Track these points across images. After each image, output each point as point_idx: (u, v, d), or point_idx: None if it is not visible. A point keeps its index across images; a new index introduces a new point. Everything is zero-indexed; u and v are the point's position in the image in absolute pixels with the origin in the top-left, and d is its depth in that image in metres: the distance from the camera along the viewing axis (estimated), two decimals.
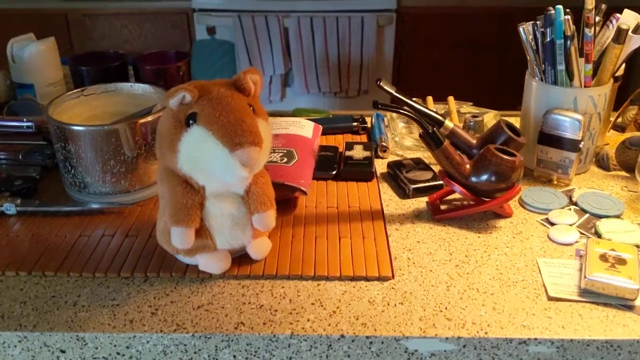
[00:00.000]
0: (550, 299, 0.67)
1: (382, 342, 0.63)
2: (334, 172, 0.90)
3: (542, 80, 0.88)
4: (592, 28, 0.82)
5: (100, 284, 0.71)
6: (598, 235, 0.77)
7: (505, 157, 0.77)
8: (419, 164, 0.91)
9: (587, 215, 0.81)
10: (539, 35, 0.86)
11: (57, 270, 0.72)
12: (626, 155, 0.90)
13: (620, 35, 0.82)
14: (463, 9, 2.45)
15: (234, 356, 0.64)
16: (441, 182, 0.87)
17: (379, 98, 0.84)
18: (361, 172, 0.90)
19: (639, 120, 0.98)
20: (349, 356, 0.64)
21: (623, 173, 0.92)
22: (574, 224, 0.79)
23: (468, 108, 1.07)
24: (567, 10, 0.83)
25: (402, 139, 0.99)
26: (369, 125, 1.06)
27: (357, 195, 0.87)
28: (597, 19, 0.86)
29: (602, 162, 0.93)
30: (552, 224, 0.80)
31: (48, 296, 0.69)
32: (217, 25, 2.41)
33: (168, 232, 0.70)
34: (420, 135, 0.79)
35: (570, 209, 0.82)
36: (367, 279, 0.70)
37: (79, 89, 0.91)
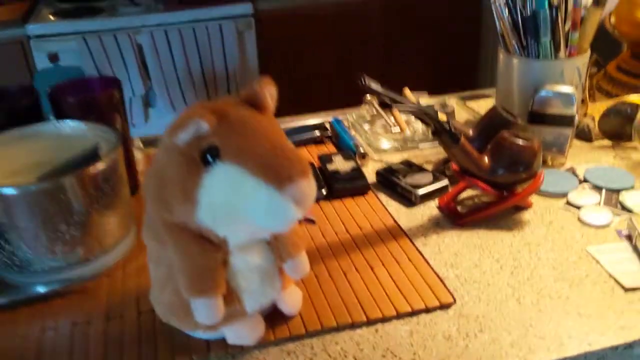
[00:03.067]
0: (627, 290, 0.61)
1: None
2: (325, 192, 0.78)
3: (524, 56, 0.83)
4: None
5: None
6: (628, 210, 0.73)
7: (525, 142, 0.70)
8: (412, 167, 0.82)
9: (604, 190, 0.77)
10: (517, 8, 0.80)
11: None
12: (609, 123, 0.87)
13: None
14: (318, 8, 2.41)
15: None
16: (445, 183, 0.78)
17: None
18: (356, 186, 0.79)
19: (601, 84, 0.96)
20: None
21: (606, 142, 0.90)
22: (599, 202, 0.75)
23: (427, 99, 0.99)
24: None
25: (377, 141, 0.89)
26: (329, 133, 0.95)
27: (360, 213, 0.75)
28: None
29: (584, 134, 0.90)
30: (577, 207, 0.74)
31: None
32: (59, 51, 2.13)
33: (180, 306, 0.55)
34: (433, 134, 0.70)
35: (584, 188, 0.78)
36: (427, 310, 0.60)
37: None
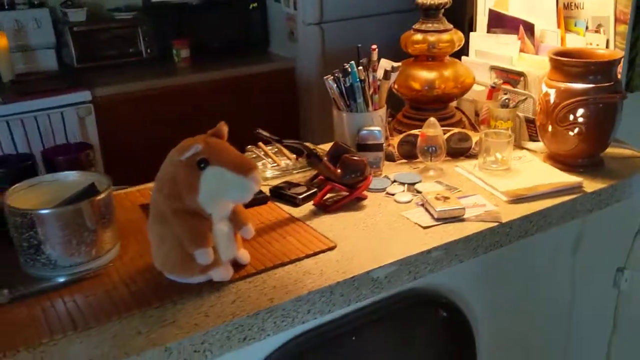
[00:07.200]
0: (424, 228, 1.11)
1: (360, 278, 0.97)
2: None
3: (349, 111, 1.33)
4: (377, 72, 1.31)
5: (163, 309, 0.88)
6: (419, 192, 1.24)
7: (359, 158, 1.19)
8: (291, 184, 1.27)
9: (406, 184, 1.28)
10: (341, 82, 1.31)
11: (125, 312, 0.87)
12: (403, 149, 1.41)
13: (387, 75, 1.33)
14: (151, 90, 2.72)
15: (274, 322, 0.91)
16: (314, 190, 1.24)
17: None
18: (259, 199, 1.21)
19: (395, 126, 1.50)
20: (342, 295, 0.96)
21: (404, 160, 1.42)
22: (404, 190, 1.25)
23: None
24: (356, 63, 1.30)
25: (263, 173, 1.33)
26: None
27: (265, 213, 1.18)
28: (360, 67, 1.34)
29: (389, 157, 1.42)
30: (392, 194, 1.24)
31: (153, 324, 0.84)
32: None
33: (182, 263, 0.92)
34: (307, 156, 1.16)
35: (395, 185, 1.28)
36: (322, 251, 1.03)
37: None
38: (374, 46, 1.30)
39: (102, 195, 1.00)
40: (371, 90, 1.33)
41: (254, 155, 1.41)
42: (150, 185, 1.25)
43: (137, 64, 2.91)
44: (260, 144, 1.44)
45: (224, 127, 0.94)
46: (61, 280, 0.97)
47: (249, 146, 1.42)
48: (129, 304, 0.90)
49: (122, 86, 2.69)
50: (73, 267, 0.98)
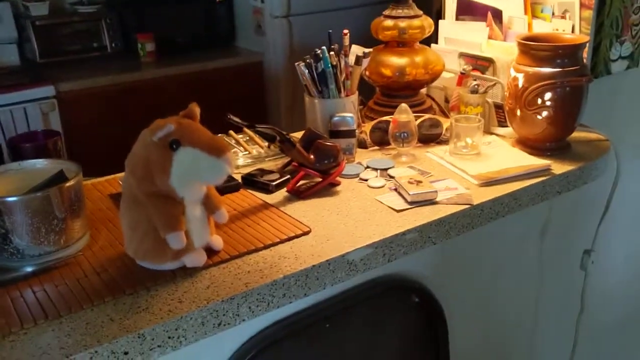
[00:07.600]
0: (398, 211, 1.11)
1: (335, 261, 0.97)
2: None
3: (321, 97, 1.33)
4: (349, 57, 1.30)
5: (136, 296, 0.87)
6: (392, 177, 1.24)
7: (332, 144, 1.19)
8: (264, 171, 1.25)
9: (379, 170, 1.28)
10: (313, 68, 1.30)
11: (97, 300, 0.85)
12: (375, 135, 1.41)
13: (359, 60, 1.33)
14: (116, 86, 2.68)
15: (249, 307, 0.90)
16: (287, 177, 1.23)
17: None
18: (232, 186, 1.20)
19: (367, 113, 1.51)
20: (317, 278, 0.96)
21: (376, 147, 1.42)
22: (377, 176, 1.25)
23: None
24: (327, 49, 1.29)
25: (235, 160, 1.31)
26: None
27: (238, 200, 1.16)
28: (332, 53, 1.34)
29: (362, 144, 1.42)
30: (366, 180, 1.24)
31: (106, 315, 0.82)
32: None
33: (155, 250, 0.91)
34: (280, 142, 1.15)
35: (368, 170, 1.28)
36: (297, 236, 1.03)
37: None
38: (346, 30, 1.30)
39: (72, 182, 0.98)
40: (343, 76, 1.32)
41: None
42: (120, 175, 1.24)
43: (102, 58, 2.87)
44: (231, 132, 1.43)
45: (195, 108, 0.93)
46: (30, 269, 0.95)
47: (220, 134, 1.40)
48: (101, 292, 0.88)
49: (87, 81, 2.65)
50: (42, 257, 0.96)
